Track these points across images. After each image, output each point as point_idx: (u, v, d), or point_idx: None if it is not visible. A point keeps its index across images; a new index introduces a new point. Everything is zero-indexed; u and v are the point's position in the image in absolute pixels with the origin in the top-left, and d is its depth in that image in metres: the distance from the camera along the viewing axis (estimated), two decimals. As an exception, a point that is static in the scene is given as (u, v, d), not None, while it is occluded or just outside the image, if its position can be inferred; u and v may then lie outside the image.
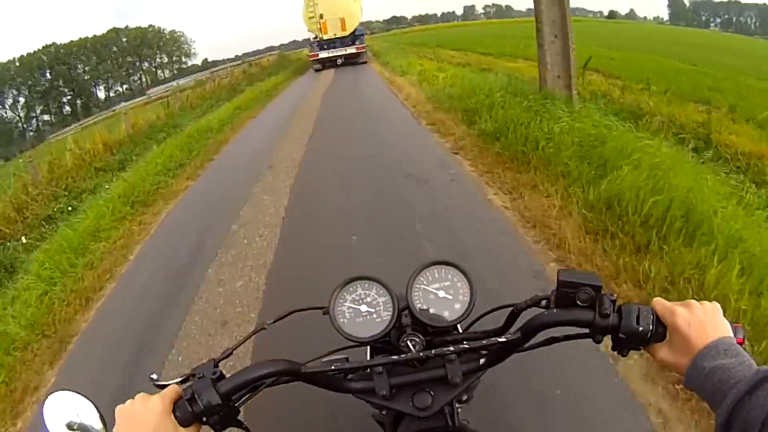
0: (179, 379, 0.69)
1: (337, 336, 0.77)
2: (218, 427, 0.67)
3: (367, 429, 1.03)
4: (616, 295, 0.66)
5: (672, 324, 0.63)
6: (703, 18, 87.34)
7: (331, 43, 20.38)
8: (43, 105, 56.19)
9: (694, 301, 0.65)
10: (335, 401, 1.25)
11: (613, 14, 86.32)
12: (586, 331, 0.67)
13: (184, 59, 69.48)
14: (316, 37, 20.97)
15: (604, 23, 55.38)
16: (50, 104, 56.21)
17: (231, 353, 0.75)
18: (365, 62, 20.16)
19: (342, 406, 1.81)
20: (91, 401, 0.65)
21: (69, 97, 57.22)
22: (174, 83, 30.44)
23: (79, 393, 0.66)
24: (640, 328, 0.63)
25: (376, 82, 13.60)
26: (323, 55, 20.19)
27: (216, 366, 0.68)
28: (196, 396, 0.63)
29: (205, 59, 72.21)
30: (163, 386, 0.68)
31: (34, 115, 55.79)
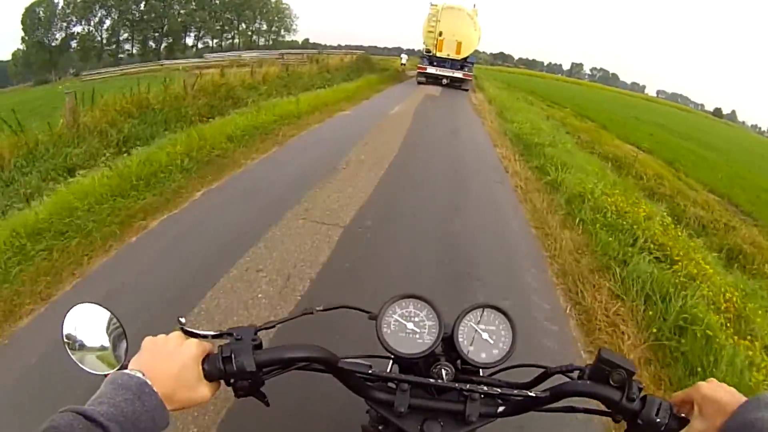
0: (212, 333, 0.69)
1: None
2: (241, 393, 0.67)
3: None
4: (644, 385, 0.69)
5: (698, 397, 0.64)
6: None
7: (442, 62, 20.26)
8: (128, 34, 56.86)
9: (713, 378, 0.67)
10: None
11: (719, 113, 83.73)
12: (606, 409, 0.70)
13: (283, 32, 68.20)
14: (428, 51, 20.88)
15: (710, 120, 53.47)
16: (134, 35, 57.02)
17: (274, 326, 0.77)
18: (467, 90, 19.97)
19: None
20: (119, 321, 0.66)
21: (157, 34, 57.55)
22: (236, 53, 28.65)
23: (108, 309, 0.66)
24: (657, 420, 0.66)
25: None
26: (431, 70, 20.08)
27: (255, 333, 0.68)
28: (233, 356, 0.64)
29: (306, 39, 71.86)
30: (190, 332, 0.67)
31: (115, 40, 56.55)
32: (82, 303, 0.65)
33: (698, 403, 0.64)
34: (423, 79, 20.21)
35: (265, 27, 67.26)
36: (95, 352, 0.64)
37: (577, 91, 43.47)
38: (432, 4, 21.20)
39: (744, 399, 0.60)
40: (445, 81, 19.94)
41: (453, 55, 20.38)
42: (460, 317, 0.80)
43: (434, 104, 14.39)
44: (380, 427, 0.89)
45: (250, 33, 66.08)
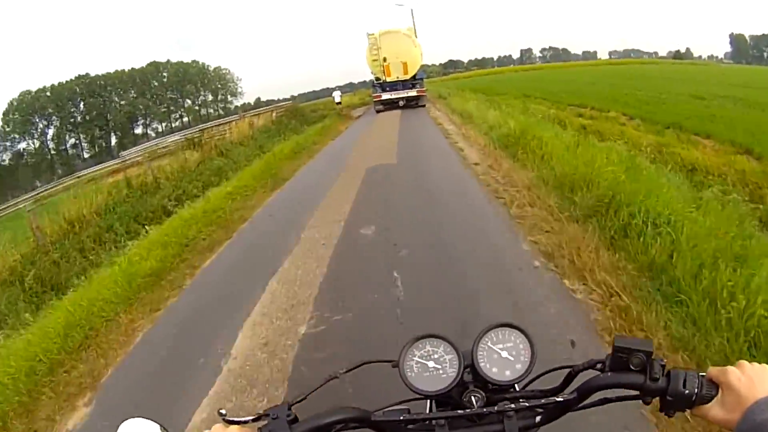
0: (251, 418, 0.72)
1: (393, 386, 0.82)
2: None
3: None
4: (665, 360, 0.70)
5: (725, 382, 0.66)
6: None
7: (394, 85, 20.46)
8: (75, 138, 55.93)
9: (745, 361, 0.68)
10: None
11: (680, 55, 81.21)
12: (637, 393, 0.71)
13: (230, 97, 65.55)
14: (378, 79, 21.07)
15: (673, 65, 52.75)
16: (81, 138, 56.07)
17: (305, 398, 0.79)
18: (423, 105, 20.20)
19: None
20: (165, 429, 0.65)
21: (103, 132, 56.74)
22: (155, 142, 21.48)
23: (155, 421, 0.66)
24: (686, 391, 0.67)
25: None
26: (386, 96, 20.25)
27: (289, 408, 0.72)
28: None
29: (258, 98, 68.53)
30: (232, 422, 0.70)
31: (63, 148, 55.80)
32: (133, 418, 0.66)
33: (722, 388, 0.66)
34: (381, 107, 20.32)
35: (210, 97, 65.90)
36: None
37: (524, 76, 44.16)
38: (369, 34, 21.50)
39: (760, 396, 0.61)
40: (401, 102, 20.10)
41: (402, 77, 20.59)
42: (476, 343, 0.83)
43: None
44: None
45: (197, 107, 64.76)
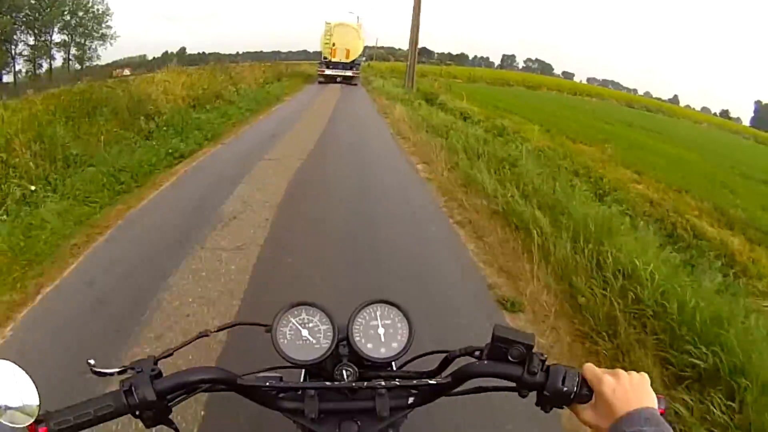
0: (117, 370, 0.72)
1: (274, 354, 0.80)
2: (149, 423, 0.69)
3: None
4: (546, 356, 0.71)
5: (598, 390, 0.66)
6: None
7: (336, 65, 27.05)
8: None
9: (622, 371, 0.68)
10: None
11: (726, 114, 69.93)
12: (514, 384, 0.72)
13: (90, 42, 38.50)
14: (325, 58, 27.65)
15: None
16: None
17: (172, 353, 0.79)
18: (356, 84, 27.16)
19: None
20: (29, 377, 0.62)
21: None
22: None
23: (18, 365, 0.62)
24: (565, 389, 0.68)
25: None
26: (328, 72, 26.34)
27: (155, 363, 0.71)
28: (132, 389, 0.66)
29: (183, 48, 56.15)
30: (100, 373, 0.71)
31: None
32: None
33: (596, 394, 0.67)
34: (323, 79, 26.32)
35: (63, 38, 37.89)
36: (9, 409, 0.61)
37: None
38: (326, 22, 27.94)
39: (631, 409, 0.62)
40: (339, 79, 26.56)
41: (344, 60, 27.01)
42: (352, 317, 0.83)
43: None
44: None
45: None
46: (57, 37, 38.61)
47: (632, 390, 0.65)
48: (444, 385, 0.77)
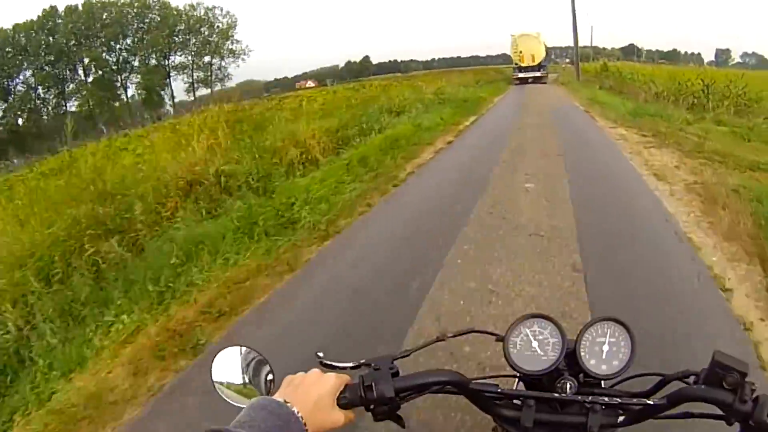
0: (350, 365, 0.77)
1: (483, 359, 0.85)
2: (380, 417, 0.73)
3: None
4: (757, 385, 0.69)
5: None
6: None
7: (526, 69, 32.24)
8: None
9: None
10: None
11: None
12: (720, 413, 0.70)
13: (224, 60, 38.62)
14: (516, 65, 33.00)
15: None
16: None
17: (409, 354, 0.83)
18: (545, 83, 31.51)
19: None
20: (266, 360, 0.68)
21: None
22: None
23: (254, 350, 0.68)
24: None
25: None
26: (521, 75, 32.13)
27: (392, 362, 0.75)
28: (374, 384, 0.70)
29: (366, 56, 50.82)
30: (328, 365, 0.76)
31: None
32: (225, 348, 0.68)
33: None
34: (517, 81, 32.19)
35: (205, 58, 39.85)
36: (240, 388, 0.66)
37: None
38: (512, 35, 33.84)
39: None
40: (530, 80, 31.75)
41: (531, 63, 32.31)
42: (582, 332, 0.84)
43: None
44: None
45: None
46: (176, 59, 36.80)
47: None
48: (658, 407, 0.75)
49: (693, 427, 0.82)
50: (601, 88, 19.53)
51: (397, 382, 0.72)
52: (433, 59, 57.21)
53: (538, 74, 31.90)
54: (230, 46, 37.58)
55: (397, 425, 0.77)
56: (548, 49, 38.00)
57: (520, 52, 32.63)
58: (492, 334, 0.91)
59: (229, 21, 38.70)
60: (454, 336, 0.91)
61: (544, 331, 0.85)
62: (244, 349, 0.77)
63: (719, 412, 0.71)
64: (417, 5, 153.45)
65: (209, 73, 37.62)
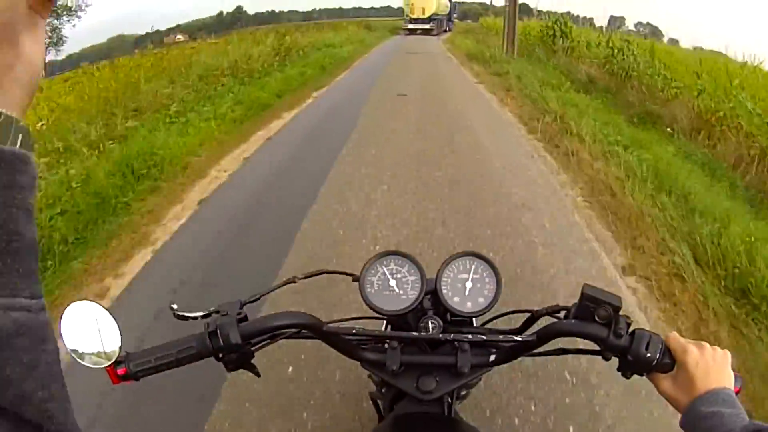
0: (201, 313, 0.73)
1: (356, 303, 0.78)
2: (231, 366, 0.69)
3: (361, 406, 1.00)
4: (632, 320, 0.69)
5: (681, 360, 0.65)
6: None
7: (415, 21, 34.42)
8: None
9: (706, 344, 0.67)
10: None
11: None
12: (596, 348, 0.70)
13: (60, 20, 22.34)
14: (407, 16, 35.25)
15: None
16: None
17: (259, 298, 0.80)
18: (435, 36, 34.02)
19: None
20: (113, 317, 0.61)
21: None
22: None
23: (102, 306, 0.61)
24: (648, 355, 0.65)
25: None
26: (410, 26, 33.89)
27: (241, 307, 0.72)
28: (218, 331, 0.66)
29: (239, 7, 40.82)
30: (183, 317, 0.73)
31: None
32: (80, 301, 0.61)
33: (678, 365, 0.66)
34: (407, 32, 33.97)
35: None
36: (91, 349, 0.60)
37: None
38: (405, -14, 35.72)
39: (710, 387, 0.62)
40: (419, 32, 33.85)
41: (421, 16, 34.52)
42: (442, 269, 0.83)
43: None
44: (383, 390, 0.95)
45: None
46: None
47: (714, 366, 0.64)
48: (528, 344, 0.74)
49: (573, 361, 0.80)
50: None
51: (244, 328, 0.68)
52: (314, 9, 55.14)
53: (427, 26, 34.03)
54: (65, 1, 29.43)
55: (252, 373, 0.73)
56: (453, 3, 40.80)
57: (411, 3, 34.79)
58: (347, 274, 0.89)
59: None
60: (306, 277, 0.88)
61: (401, 269, 0.83)
62: (94, 305, 0.63)
63: (596, 347, 0.70)
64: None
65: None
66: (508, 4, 13.23)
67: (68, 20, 24.95)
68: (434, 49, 18.51)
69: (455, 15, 40.19)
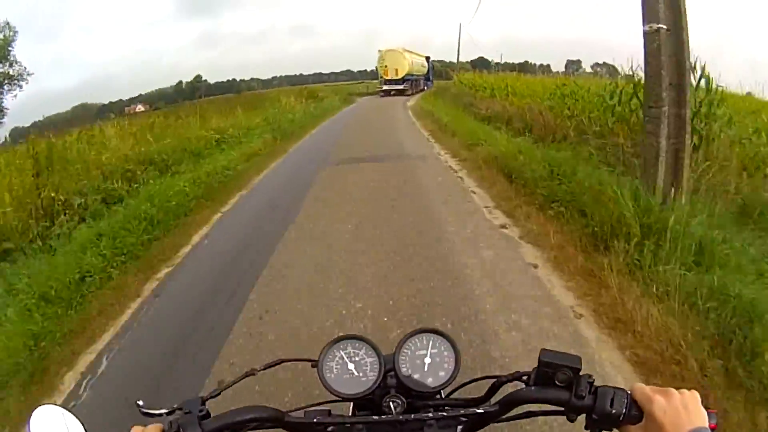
0: (166, 410, 0.73)
1: (321, 388, 0.80)
2: None
3: None
4: (594, 378, 0.70)
5: (649, 411, 0.64)
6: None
7: (390, 82, 35.56)
8: None
9: (673, 390, 0.66)
10: None
11: None
12: (562, 409, 0.70)
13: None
14: (382, 77, 36.32)
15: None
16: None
17: (219, 394, 0.79)
18: (409, 95, 35.04)
19: None
20: (79, 420, 0.62)
21: None
22: None
23: (68, 410, 0.62)
24: (613, 411, 0.66)
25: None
26: (385, 87, 35.19)
27: (203, 404, 0.72)
28: (180, 430, 0.66)
29: (198, 76, 42.76)
30: (149, 414, 0.73)
31: None
32: (47, 405, 0.62)
33: (646, 415, 0.65)
34: (382, 93, 35.27)
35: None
36: None
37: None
38: (379, 50, 36.88)
39: (684, 430, 0.61)
40: (393, 92, 35.09)
41: (395, 77, 35.78)
42: (398, 348, 0.84)
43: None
44: None
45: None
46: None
47: (684, 410, 0.64)
48: (492, 413, 0.76)
49: (545, 419, 0.85)
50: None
51: (207, 425, 0.69)
52: (275, 77, 56.90)
53: (400, 87, 35.25)
54: (7, 69, 24.29)
55: None
56: (431, 63, 42.42)
57: (386, 66, 35.82)
58: (306, 360, 0.89)
59: (6, 34, 24.75)
60: (264, 369, 0.88)
61: (359, 351, 0.85)
62: (60, 410, 0.65)
63: (559, 408, 0.71)
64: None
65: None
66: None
67: (9, 90, 23.32)
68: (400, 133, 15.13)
69: (432, 74, 41.78)
